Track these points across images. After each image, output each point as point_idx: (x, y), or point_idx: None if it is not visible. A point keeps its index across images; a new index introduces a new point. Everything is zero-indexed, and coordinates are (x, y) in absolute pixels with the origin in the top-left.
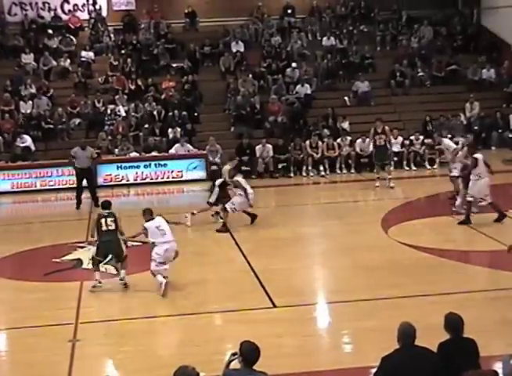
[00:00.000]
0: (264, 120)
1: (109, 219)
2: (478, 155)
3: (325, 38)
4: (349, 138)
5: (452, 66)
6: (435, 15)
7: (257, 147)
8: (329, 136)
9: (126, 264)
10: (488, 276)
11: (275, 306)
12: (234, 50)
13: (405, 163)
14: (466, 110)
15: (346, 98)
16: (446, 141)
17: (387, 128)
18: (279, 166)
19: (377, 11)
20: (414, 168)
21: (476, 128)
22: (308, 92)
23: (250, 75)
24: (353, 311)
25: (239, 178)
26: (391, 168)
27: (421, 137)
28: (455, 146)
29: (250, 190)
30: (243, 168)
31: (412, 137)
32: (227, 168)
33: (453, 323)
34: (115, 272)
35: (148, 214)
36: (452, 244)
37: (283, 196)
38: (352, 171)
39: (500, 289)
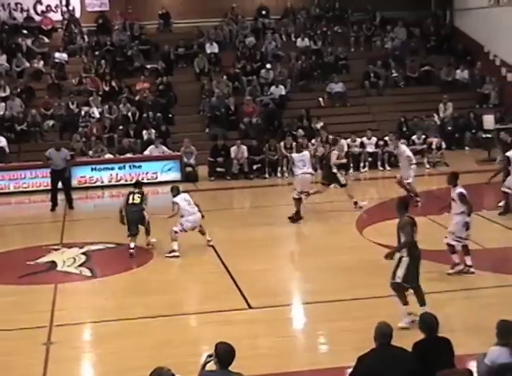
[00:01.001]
0: (238, 121)
1: (136, 195)
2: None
3: (299, 39)
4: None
5: (426, 67)
6: (409, 16)
7: (232, 148)
8: (303, 137)
9: (150, 230)
10: (461, 276)
11: (250, 307)
12: (208, 51)
13: (379, 163)
14: (440, 110)
15: (320, 99)
16: (403, 147)
17: (330, 136)
18: (254, 167)
19: (351, 12)
20: (388, 169)
21: (449, 128)
22: (283, 93)
23: (225, 76)
24: (328, 311)
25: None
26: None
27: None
28: (410, 153)
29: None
30: (218, 169)
31: (386, 138)
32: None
33: (428, 322)
34: (90, 274)
35: (175, 190)
36: (426, 244)
37: (258, 197)
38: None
39: (474, 288)
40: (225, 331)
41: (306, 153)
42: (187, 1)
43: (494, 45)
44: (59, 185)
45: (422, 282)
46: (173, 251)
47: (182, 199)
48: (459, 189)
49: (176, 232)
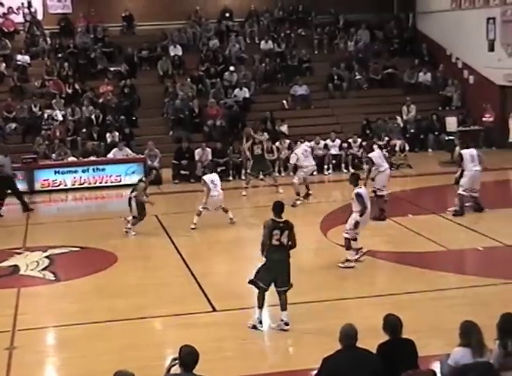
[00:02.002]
0: (202, 124)
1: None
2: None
3: (263, 42)
4: (288, 141)
5: (389, 69)
6: (372, 19)
7: (196, 151)
8: (268, 140)
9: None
10: (426, 277)
11: (215, 310)
12: (172, 54)
13: (343, 166)
14: (403, 112)
15: (284, 101)
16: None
17: (263, 137)
18: (218, 170)
19: (315, 15)
20: (352, 171)
21: (413, 130)
22: (247, 95)
23: (189, 79)
24: (293, 313)
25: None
26: (276, 174)
27: (359, 140)
28: (384, 164)
29: None
30: (182, 171)
31: (350, 140)
32: (142, 185)
33: (391, 324)
34: (53, 278)
35: (209, 169)
36: (391, 246)
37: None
38: (291, 173)
39: (437, 289)
40: (189, 334)
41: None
42: (150, 3)
43: (456, 47)
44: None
45: (387, 283)
46: (194, 223)
47: (209, 179)
48: (358, 190)
49: (200, 211)
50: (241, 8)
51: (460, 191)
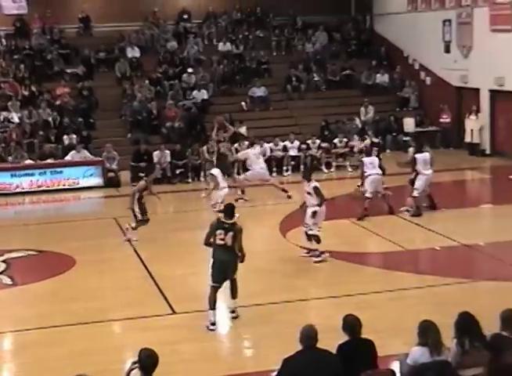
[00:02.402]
0: (161, 125)
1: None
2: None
3: (221, 44)
4: (246, 142)
5: (347, 70)
6: (330, 20)
7: (155, 153)
8: (227, 141)
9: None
10: (384, 278)
11: (174, 312)
12: (130, 56)
13: (302, 167)
14: (361, 113)
15: (243, 103)
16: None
17: (243, 129)
18: (177, 172)
19: (272, 16)
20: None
21: (371, 131)
22: (205, 97)
23: (147, 81)
24: (253, 315)
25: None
26: (236, 176)
27: (318, 141)
28: (371, 170)
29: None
30: (141, 174)
31: (308, 141)
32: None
33: (351, 324)
34: (10, 282)
35: (222, 161)
36: (350, 246)
37: (182, 201)
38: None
39: (396, 290)
40: (149, 337)
41: None
42: (107, 4)
43: (413, 49)
44: None
45: (346, 284)
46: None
47: (218, 173)
48: (314, 184)
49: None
50: (199, 9)
51: (415, 194)
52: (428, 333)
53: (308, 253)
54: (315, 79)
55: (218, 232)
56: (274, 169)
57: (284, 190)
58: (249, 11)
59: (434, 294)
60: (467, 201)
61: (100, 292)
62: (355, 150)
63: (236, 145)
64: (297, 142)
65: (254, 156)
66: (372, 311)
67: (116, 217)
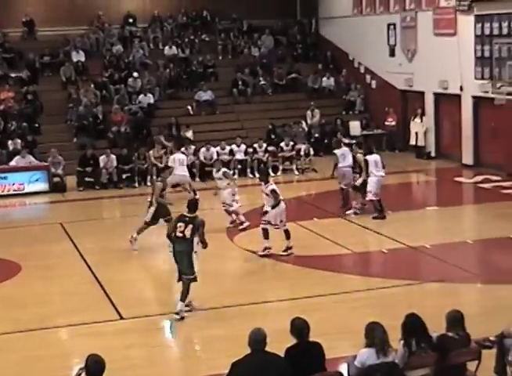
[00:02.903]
0: (107, 130)
1: None
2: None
3: (167, 47)
4: (193, 147)
5: (293, 74)
6: (275, 24)
7: (101, 158)
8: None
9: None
10: (332, 280)
11: (122, 318)
12: (75, 60)
13: (248, 170)
14: (308, 117)
15: (189, 107)
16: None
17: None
18: (124, 176)
19: (218, 20)
20: (258, 176)
21: (317, 135)
22: (151, 101)
23: (92, 85)
24: (202, 319)
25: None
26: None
27: (264, 145)
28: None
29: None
30: (87, 179)
31: (255, 145)
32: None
33: (298, 327)
34: None
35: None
36: (298, 250)
37: (129, 206)
38: (197, 179)
39: (343, 292)
40: (96, 343)
41: None
42: (52, 8)
43: (358, 53)
44: None
45: (294, 287)
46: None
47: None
48: (272, 187)
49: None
50: (144, 13)
51: (370, 197)
52: (374, 333)
53: (285, 251)
54: (262, 83)
55: (179, 224)
56: (236, 172)
57: (194, 193)
58: (195, 15)
59: (382, 296)
60: (413, 204)
61: (47, 298)
62: (302, 153)
63: (182, 149)
64: (243, 146)
65: (178, 161)
66: (320, 314)
67: (62, 222)
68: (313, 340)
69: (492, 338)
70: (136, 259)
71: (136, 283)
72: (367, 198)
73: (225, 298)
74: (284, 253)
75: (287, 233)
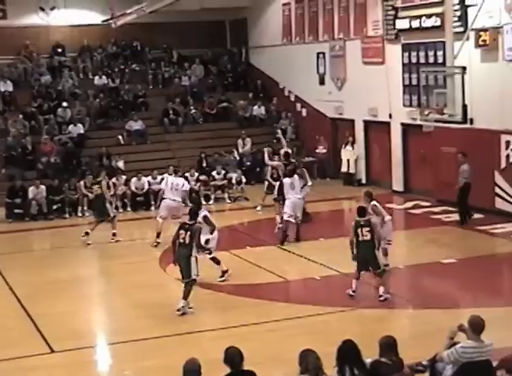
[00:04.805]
0: (36, 161)
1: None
2: None
3: (97, 77)
4: (124, 176)
5: (224, 103)
6: (206, 54)
7: (30, 189)
8: (105, 175)
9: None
10: (265, 308)
11: (53, 351)
12: (2, 90)
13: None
14: (239, 146)
15: (120, 137)
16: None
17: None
18: (54, 207)
19: (149, 50)
20: (190, 205)
21: (249, 163)
22: (81, 131)
23: (21, 115)
24: (135, 350)
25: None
26: (115, 211)
27: (196, 174)
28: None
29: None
30: (16, 210)
31: (187, 174)
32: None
33: (232, 356)
34: None
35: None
36: (231, 278)
37: (59, 237)
38: (128, 209)
39: (276, 320)
40: None
41: None
42: None
43: (288, 81)
44: None
45: (227, 316)
46: None
47: None
48: (204, 213)
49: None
50: (73, 43)
51: (286, 218)
52: (308, 360)
53: (222, 277)
54: (193, 112)
55: (181, 232)
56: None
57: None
58: (124, 44)
59: (315, 324)
60: (345, 230)
61: None
62: (233, 181)
63: (113, 179)
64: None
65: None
66: (253, 342)
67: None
68: (247, 369)
69: (424, 362)
70: (68, 291)
71: (68, 315)
72: (283, 217)
73: (158, 328)
74: (222, 278)
75: (215, 260)
